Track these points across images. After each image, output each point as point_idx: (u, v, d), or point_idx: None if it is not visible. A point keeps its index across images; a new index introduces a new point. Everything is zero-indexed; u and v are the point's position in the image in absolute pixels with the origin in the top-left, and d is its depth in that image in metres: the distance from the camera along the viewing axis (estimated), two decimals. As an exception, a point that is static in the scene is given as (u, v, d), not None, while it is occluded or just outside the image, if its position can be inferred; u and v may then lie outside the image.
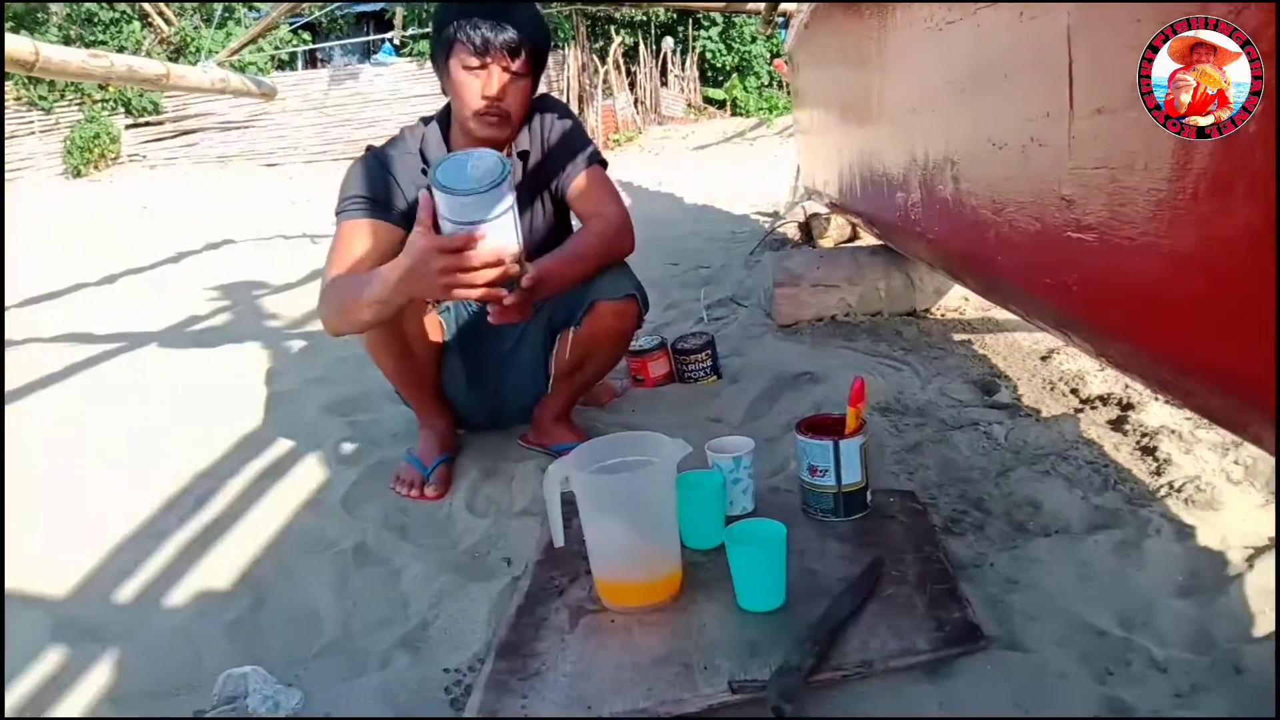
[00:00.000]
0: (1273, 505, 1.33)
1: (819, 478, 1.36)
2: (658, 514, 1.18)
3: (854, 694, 1.00)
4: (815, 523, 1.37)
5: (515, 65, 1.58)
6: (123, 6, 15.57)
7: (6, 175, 14.69)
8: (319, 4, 15.58)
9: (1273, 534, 1.25)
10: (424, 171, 1.67)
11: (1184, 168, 0.75)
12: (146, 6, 14.29)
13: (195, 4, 15.50)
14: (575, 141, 1.73)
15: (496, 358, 1.84)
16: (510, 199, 1.23)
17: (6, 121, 15.06)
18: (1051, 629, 1.09)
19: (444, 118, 1.72)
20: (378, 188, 1.65)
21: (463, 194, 1.19)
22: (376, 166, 1.68)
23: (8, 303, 4.28)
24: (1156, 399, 1.76)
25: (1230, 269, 0.72)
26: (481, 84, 1.57)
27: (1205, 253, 0.75)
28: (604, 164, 1.75)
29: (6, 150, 14.97)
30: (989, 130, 1.23)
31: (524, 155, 1.72)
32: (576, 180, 1.70)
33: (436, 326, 1.75)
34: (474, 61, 1.56)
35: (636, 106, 16.01)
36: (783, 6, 4.58)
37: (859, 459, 1.35)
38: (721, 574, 1.19)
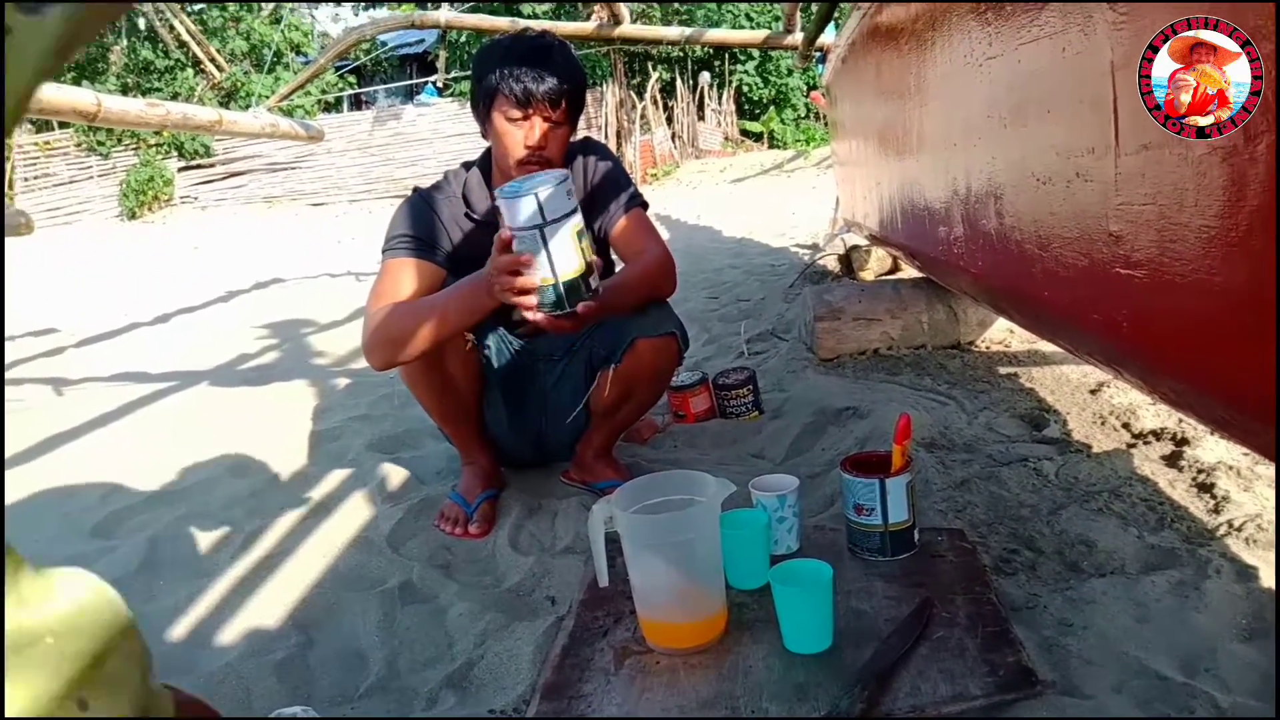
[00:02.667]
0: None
1: (865, 516, 1.34)
2: (702, 554, 1.17)
3: (905, 740, 0.98)
4: (862, 562, 1.35)
5: (555, 115, 1.61)
6: (177, 54, 16.16)
7: (66, 219, 15.28)
8: (367, 42, 16.00)
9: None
10: (466, 215, 1.71)
11: (1235, 203, 0.74)
12: (198, 53, 14.84)
13: (246, 51, 16.03)
14: (617, 183, 1.76)
15: (537, 394, 1.85)
16: (572, 214, 1.32)
17: (67, 168, 15.70)
18: (1109, 674, 1.06)
19: (485, 163, 1.76)
20: (423, 228, 1.68)
21: (517, 197, 1.30)
22: (423, 207, 1.72)
23: (69, 342, 4.43)
24: (1211, 434, 1.71)
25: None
26: (524, 134, 1.60)
27: (1260, 288, 0.74)
28: (645, 205, 1.77)
29: (66, 195, 15.60)
30: (1032, 165, 1.22)
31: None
32: (619, 222, 1.72)
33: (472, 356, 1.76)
34: (516, 113, 1.59)
35: (674, 141, 16.15)
36: (820, 40, 4.61)
37: (905, 497, 1.34)
38: (767, 615, 1.18)
